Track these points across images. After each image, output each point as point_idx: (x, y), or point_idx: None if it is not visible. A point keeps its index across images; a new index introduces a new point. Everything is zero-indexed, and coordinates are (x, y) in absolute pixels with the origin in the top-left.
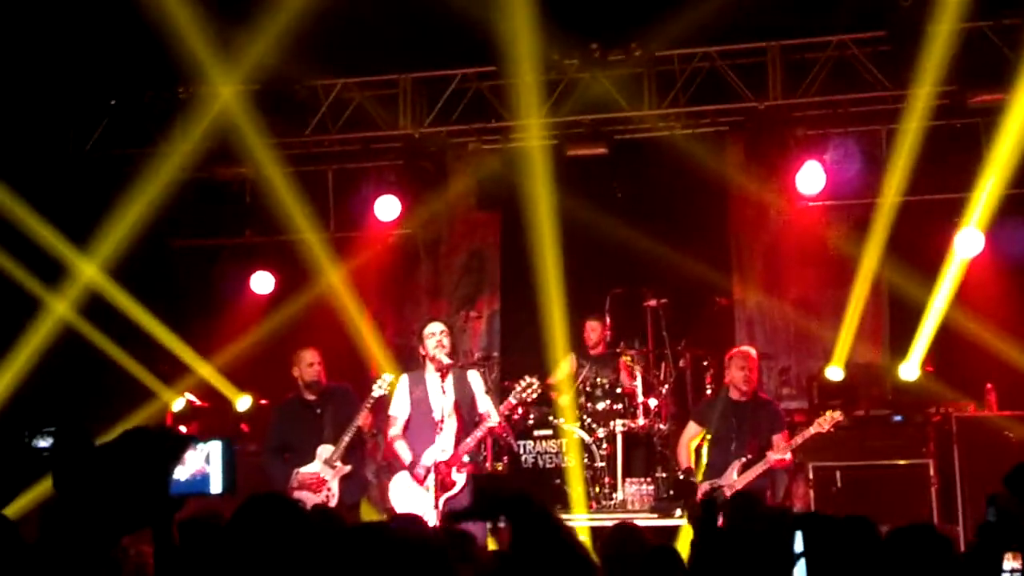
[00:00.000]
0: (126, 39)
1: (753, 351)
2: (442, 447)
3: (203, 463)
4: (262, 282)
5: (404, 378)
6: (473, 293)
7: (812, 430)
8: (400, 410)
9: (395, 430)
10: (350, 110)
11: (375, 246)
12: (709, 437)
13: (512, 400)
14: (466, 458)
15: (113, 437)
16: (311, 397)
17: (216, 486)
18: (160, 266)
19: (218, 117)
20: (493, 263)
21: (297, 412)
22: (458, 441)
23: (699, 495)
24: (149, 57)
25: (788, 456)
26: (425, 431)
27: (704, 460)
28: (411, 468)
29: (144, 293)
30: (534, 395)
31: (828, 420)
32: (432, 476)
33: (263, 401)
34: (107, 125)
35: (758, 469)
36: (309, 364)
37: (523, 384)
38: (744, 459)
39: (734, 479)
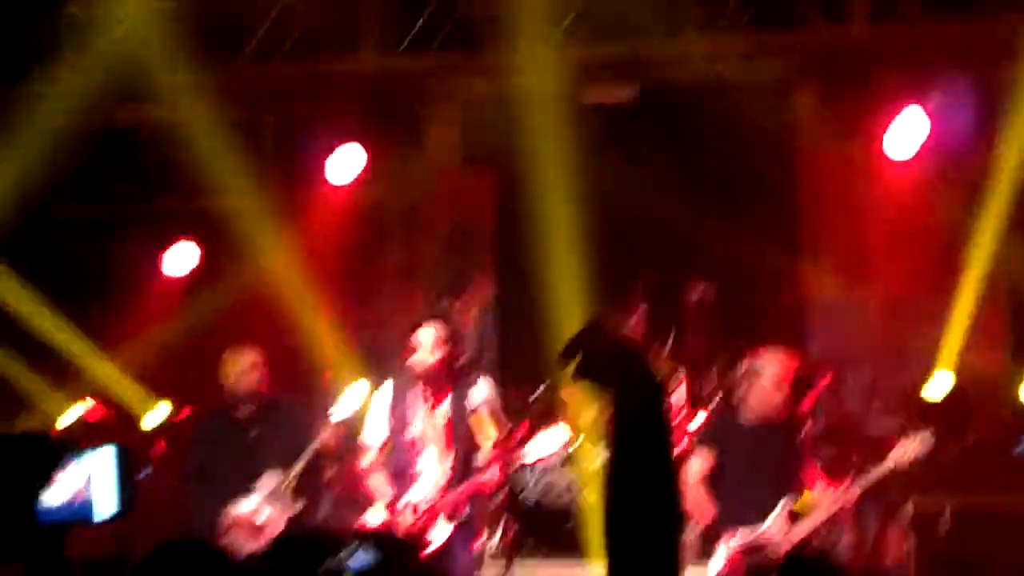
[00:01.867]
0: None
1: (785, 356)
2: (428, 485)
3: (86, 480)
4: (179, 260)
5: (388, 388)
6: (459, 277)
7: (887, 466)
8: (375, 434)
9: (368, 460)
10: (297, 35)
11: (329, 214)
12: (722, 470)
13: (528, 457)
14: (466, 510)
15: None
16: (242, 413)
17: (103, 509)
18: (44, 239)
19: (121, 45)
20: (485, 238)
21: (220, 433)
22: (450, 478)
23: (728, 560)
24: None
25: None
26: (404, 463)
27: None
28: (388, 507)
29: (22, 272)
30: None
31: (910, 449)
32: (413, 518)
33: (185, 411)
34: None
35: (818, 517)
36: (248, 368)
37: (547, 440)
38: (791, 501)
39: (779, 532)
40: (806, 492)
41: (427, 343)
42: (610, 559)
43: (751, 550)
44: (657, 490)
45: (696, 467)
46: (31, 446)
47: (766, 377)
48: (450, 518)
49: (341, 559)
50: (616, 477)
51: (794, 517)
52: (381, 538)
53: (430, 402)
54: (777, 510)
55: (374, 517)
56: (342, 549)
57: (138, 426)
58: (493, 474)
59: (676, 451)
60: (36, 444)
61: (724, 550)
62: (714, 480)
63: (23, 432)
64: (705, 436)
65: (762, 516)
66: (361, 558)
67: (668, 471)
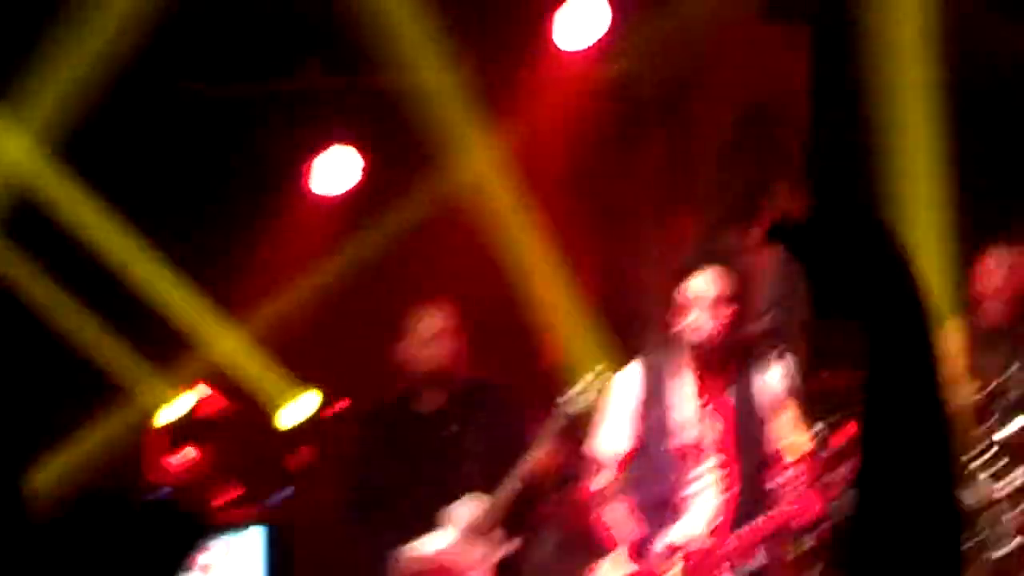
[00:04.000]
0: None
1: None
2: (701, 518)
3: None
4: (338, 168)
5: (634, 372)
6: (752, 192)
7: None
8: (616, 440)
9: (604, 478)
10: None
11: (558, 99)
12: None
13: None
14: (758, 559)
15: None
16: (429, 404)
17: None
18: (142, 135)
19: None
20: (794, 130)
21: (403, 430)
22: (734, 509)
23: None
24: None
25: None
26: (666, 485)
27: None
28: (634, 551)
29: (111, 186)
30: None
31: None
32: (676, 570)
33: (342, 403)
34: None
35: None
36: (432, 335)
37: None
38: None
39: None
40: None
41: (704, 299)
42: None
43: None
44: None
45: None
46: (160, 519)
47: None
48: (737, 569)
49: None
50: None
51: None
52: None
53: (707, 392)
54: None
55: (613, 567)
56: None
57: (273, 424)
58: (803, 501)
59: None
60: (167, 517)
61: None
62: None
63: (146, 501)
64: None
65: None
66: None
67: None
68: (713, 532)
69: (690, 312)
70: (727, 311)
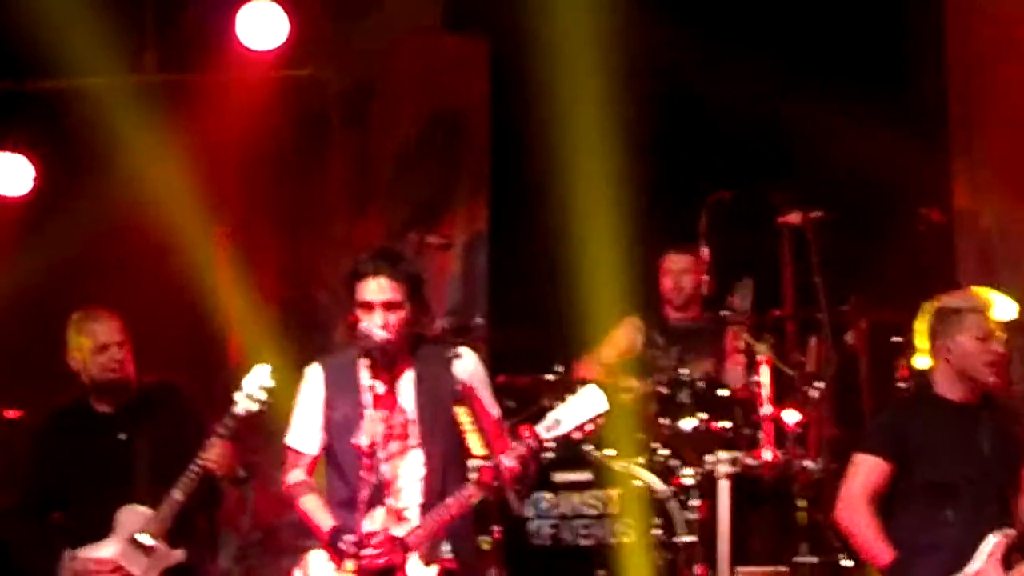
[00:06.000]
0: None
1: (1007, 304)
2: (393, 510)
3: None
4: (9, 173)
5: (319, 371)
6: (435, 197)
7: None
8: (307, 437)
9: (299, 473)
10: None
11: (239, 102)
12: (905, 482)
13: (515, 455)
14: (446, 548)
15: None
16: (106, 407)
17: None
18: None
19: None
20: (474, 138)
21: (80, 435)
22: (427, 500)
23: None
24: None
25: None
26: (351, 478)
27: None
28: (331, 541)
29: None
30: (585, 431)
31: None
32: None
33: (9, 413)
34: None
35: None
36: (101, 346)
37: (550, 422)
38: (1005, 533)
39: None
40: None
41: (372, 303)
42: None
43: None
44: None
45: (859, 482)
46: None
47: (971, 327)
48: (428, 557)
49: None
50: None
51: (1008, 553)
52: None
53: (385, 391)
54: (987, 547)
55: (314, 562)
56: None
57: None
58: (488, 486)
59: (760, 455)
60: None
61: None
62: (885, 502)
63: None
64: (874, 432)
65: (960, 556)
66: None
67: None
68: (402, 520)
69: (362, 315)
70: (396, 315)
